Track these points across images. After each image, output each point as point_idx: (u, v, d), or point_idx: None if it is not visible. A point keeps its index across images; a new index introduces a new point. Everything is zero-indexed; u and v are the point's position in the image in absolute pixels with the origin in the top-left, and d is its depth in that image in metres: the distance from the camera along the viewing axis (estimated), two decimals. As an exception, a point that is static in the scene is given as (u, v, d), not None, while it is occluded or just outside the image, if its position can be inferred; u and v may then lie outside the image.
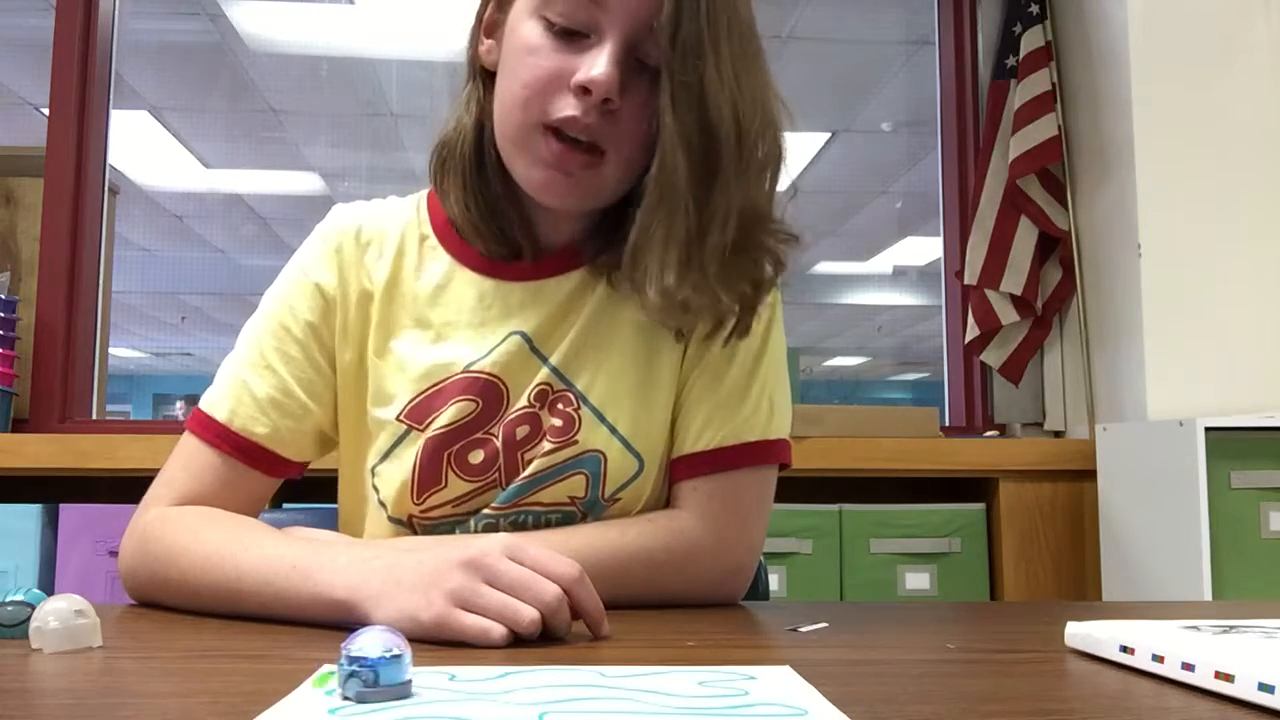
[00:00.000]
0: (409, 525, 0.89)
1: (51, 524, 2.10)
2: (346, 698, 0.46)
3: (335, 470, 0.96)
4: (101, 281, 2.58)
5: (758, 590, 1.04)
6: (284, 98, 4.30)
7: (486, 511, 0.88)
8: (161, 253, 6.59)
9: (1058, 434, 2.58)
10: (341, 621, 0.68)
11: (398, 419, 0.89)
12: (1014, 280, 2.48)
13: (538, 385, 0.89)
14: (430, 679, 0.50)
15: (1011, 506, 2.23)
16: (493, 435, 0.88)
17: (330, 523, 0.98)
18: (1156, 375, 2.18)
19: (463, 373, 0.88)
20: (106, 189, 2.61)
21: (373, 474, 0.90)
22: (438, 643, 0.63)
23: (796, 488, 2.08)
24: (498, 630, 0.62)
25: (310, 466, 0.95)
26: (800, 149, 4.67)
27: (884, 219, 5.85)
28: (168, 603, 0.81)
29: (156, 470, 0.91)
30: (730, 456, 0.89)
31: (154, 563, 0.82)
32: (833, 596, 2.19)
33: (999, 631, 0.76)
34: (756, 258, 0.86)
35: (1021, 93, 2.48)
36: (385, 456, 0.89)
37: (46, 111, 2.54)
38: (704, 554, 0.87)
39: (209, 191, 5.69)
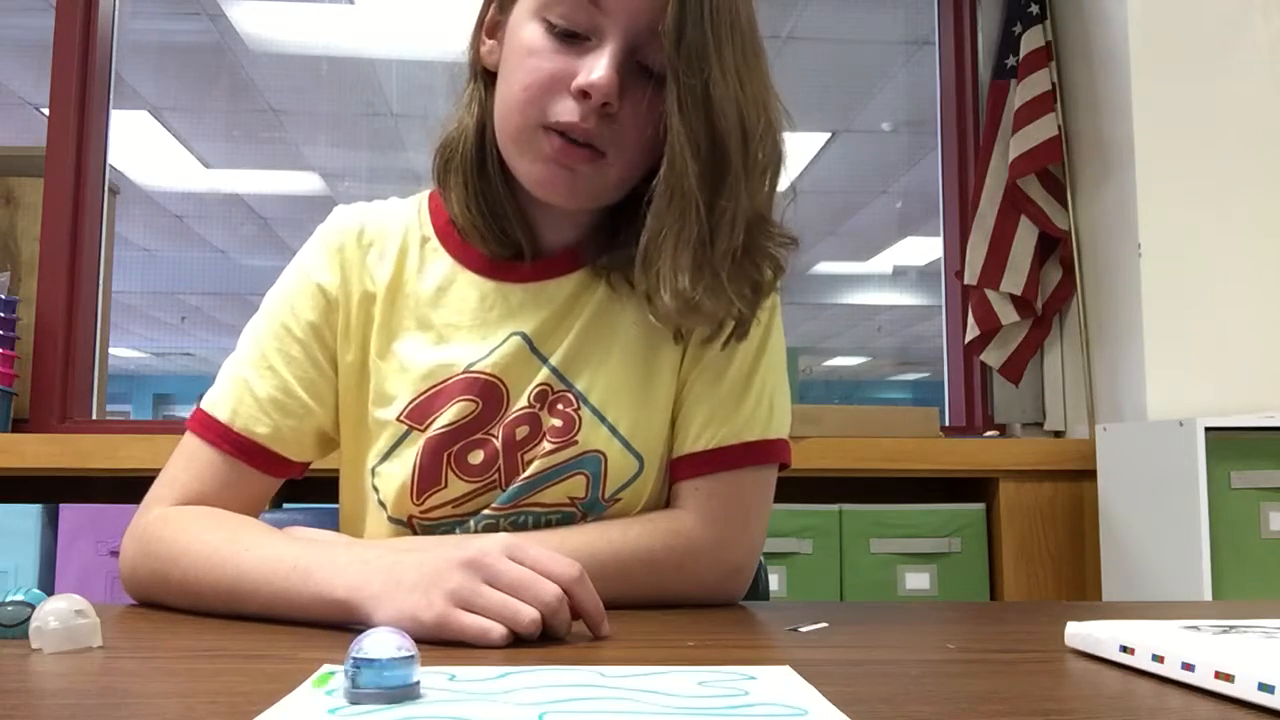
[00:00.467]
0: (409, 526, 0.89)
1: (51, 524, 2.10)
2: (355, 699, 0.46)
3: (335, 470, 0.96)
4: (101, 281, 2.58)
5: (758, 590, 1.04)
6: (284, 98, 4.29)
7: (487, 512, 0.88)
8: (161, 253, 6.59)
9: (1058, 434, 2.58)
10: (342, 621, 0.68)
11: (398, 419, 0.89)
12: (1014, 280, 2.48)
13: (538, 386, 0.89)
14: (430, 679, 0.50)
15: (1011, 506, 2.23)
16: (493, 436, 0.88)
17: (330, 523, 0.98)
18: (1156, 375, 2.18)
19: (463, 373, 0.88)
20: (106, 189, 2.61)
21: (373, 474, 0.90)
22: (438, 643, 0.63)
23: (796, 488, 2.08)
24: (498, 630, 0.62)
25: (310, 466, 0.95)
26: (800, 149, 4.67)
27: (884, 219, 5.84)
28: (168, 603, 0.81)
29: (157, 470, 0.91)
30: (730, 456, 0.90)
31: (155, 563, 0.82)
32: (833, 596, 2.19)
33: (999, 631, 0.76)
34: (757, 261, 0.86)
35: (1021, 93, 2.48)
36: (386, 457, 0.89)
37: (46, 111, 2.54)
38: (704, 554, 0.87)
39: (209, 191, 5.68)
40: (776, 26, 3.45)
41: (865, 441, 2.22)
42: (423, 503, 0.87)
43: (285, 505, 1.75)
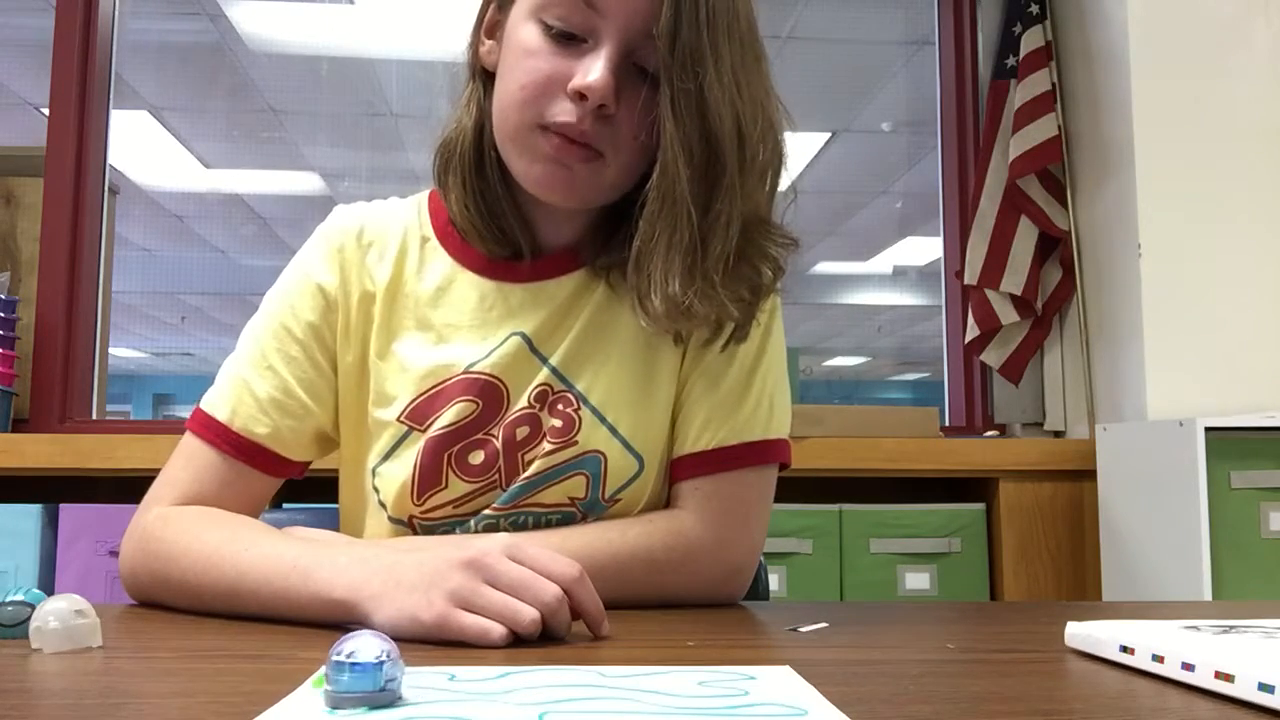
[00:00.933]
0: (409, 526, 0.89)
1: (51, 524, 2.10)
2: (334, 702, 0.45)
3: (335, 470, 0.96)
4: (101, 281, 2.58)
5: (758, 590, 1.04)
6: (284, 98, 4.30)
7: (487, 512, 0.88)
8: (161, 253, 6.59)
9: (1058, 434, 2.58)
10: (342, 621, 0.68)
11: (398, 420, 0.89)
12: (1014, 280, 2.48)
13: (538, 386, 0.89)
14: (430, 679, 0.50)
15: (1011, 506, 2.23)
16: (493, 436, 0.88)
17: (330, 523, 0.98)
18: (1156, 375, 2.18)
19: (463, 373, 0.88)
20: (106, 189, 2.61)
21: (373, 474, 0.90)
22: (438, 643, 0.63)
23: (796, 488, 2.08)
24: (498, 630, 0.62)
25: (311, 466, 0.95)
26: (800, 149, 4.67)
27: (884, 219, 5.84)
28: (168, 603, 0.81)
29: (156, 470, 0.91)
30: (730, 456, 0.89)
31: (154, 562, 0.82)
32: (833, 596, 2.19)
33: (999, 631, 0.76)
34: (756, 263, 0.86)
35: (1021, 93, 2.48)
36: (386, 457, 0.89)
37: (46, 111, 2.54)
38: (704, 554, 0.87)
39: (209, 191, 5.68)
40: (776, 26, 3.45)
41: (865, 441, 2.22)
42: (423, 503, 0.87)
43: (285, 505, 1.75)
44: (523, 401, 0.88)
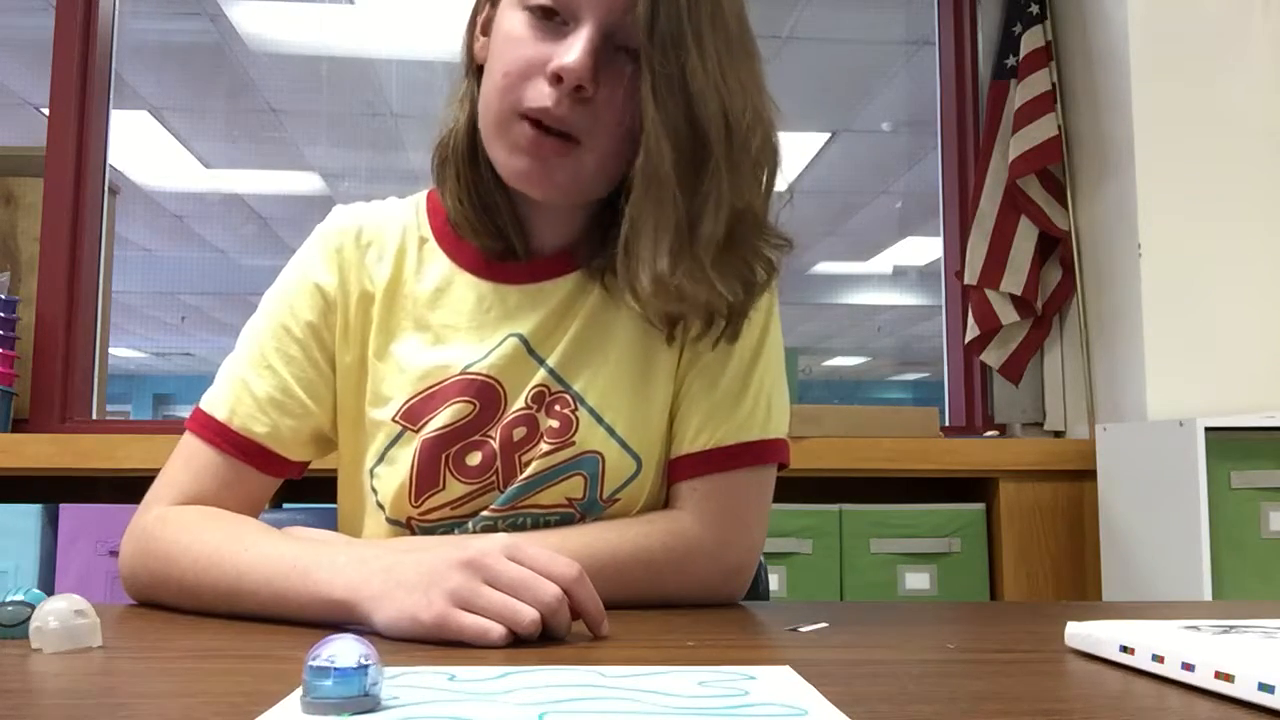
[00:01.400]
0: (407, 527, 0.89)
1: (51, 524, 2.10)
2: (308, 709, 0.44)
3: (335, 470, 0.96)
4: (101, 281, 2.58)
5: (758, 590, 1.04)
6: (284, 98, 4.30)
7: (485, 513, 0.88)
8: (161, 253, 6.59)
9: (1058, 434, 2.58)
10: (341, 621, 0.68)
11: (393, 420, 0.89)
12: (1014, 280, 2.48)
13: (535, 387, 0.89)
14: (430, 679, 0.50)
15: (1011, 506, 2.23)
16: (490, 437, 0.88)
17: (330, 523, 0.98)
18: (1156, 375, 2.18)
19: (460, 375, 0.88)
20: (106, 189, 2.61)
21: (371, 475, 0.90)
22: (438, 643, 0.63)
23: (796, 488, 2.08)
24: (497, 630, 0.62)
25: (310, 466, 0.95)
26: (800, 149, 4.67)
27: (884, 219, 5.85)
28: (168, 603, 0.81)
29: (156, 470, 0.91)
30: (728, 456, 0.89)
31: (154, 562, 0.82)
32: (833, 596, 2.19)
33: (999, 631, 0.76)
34: (749, 259, 0.85)
35: (1021, 93, 2.48)
36: (382, 458, 0.89)
37: (46, 111, 2.54)
38: (703, 554, 0.87)
39: (209, 191, 5.69)
40: (776, 26, 3.45)
41: (865, 441, 2.22)
42: (421, 504, 0.87)
43: (285, 505, 1.75)
44: (520, 402, 0.88)
